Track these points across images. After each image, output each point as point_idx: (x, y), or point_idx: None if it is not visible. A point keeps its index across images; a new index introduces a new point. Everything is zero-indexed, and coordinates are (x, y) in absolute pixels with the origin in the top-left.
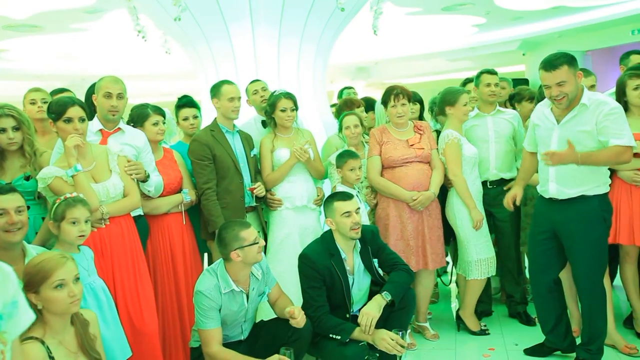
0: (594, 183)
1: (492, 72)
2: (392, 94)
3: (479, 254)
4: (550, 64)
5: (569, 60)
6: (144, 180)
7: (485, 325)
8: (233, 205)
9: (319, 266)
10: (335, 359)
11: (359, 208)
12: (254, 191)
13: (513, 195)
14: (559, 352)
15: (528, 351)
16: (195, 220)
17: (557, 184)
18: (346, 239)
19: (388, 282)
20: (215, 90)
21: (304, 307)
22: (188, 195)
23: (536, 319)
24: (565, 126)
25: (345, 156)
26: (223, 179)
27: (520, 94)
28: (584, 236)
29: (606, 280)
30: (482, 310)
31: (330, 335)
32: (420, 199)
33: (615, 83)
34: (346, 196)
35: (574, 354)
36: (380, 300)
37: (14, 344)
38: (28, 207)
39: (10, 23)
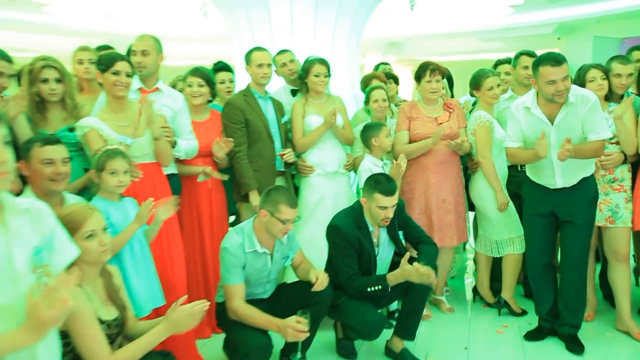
0: (590, 167)
1: (531, 55)
2: (427, 69)
3: (511, 233)
4: (555, 59)
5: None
6: (172, 146)
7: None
8: (265, 168)
9: (349, 236)
10: (355, 323)
11: (395, 204)
12: (284, 157)
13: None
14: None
15: (527, 336)
16: (228, 181)
17: (563, 178)
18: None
19: (422, 253)
20: (247, 57)
21: (337, 275)
22: (204, 176)
23: None
24: (560, 126)
25: (377, 125)
26: (255, 143)
27: None
28: (585, 210)
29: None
30: (498, 288)
31: (369, 289)
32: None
33: None
34: (389, 190)
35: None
36: None
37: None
38: (71, 158)
39: None
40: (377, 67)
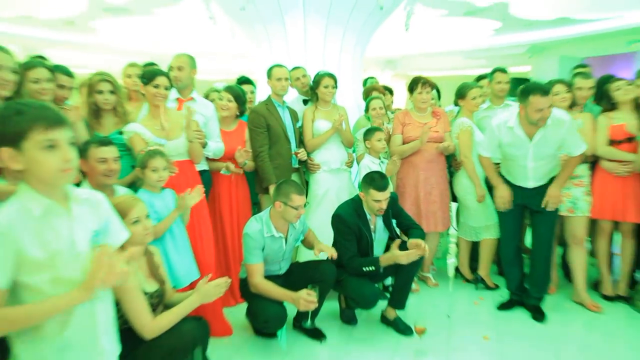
0: (557, 168)
1: (504, 71)
2: (419, 82)
3: (488, 220)
4: (544, 90)
5: None
6: (203, 147)
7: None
8: (283, 166)
9: (350, 224)
10: (356, 295)
11: (387, 198)
12: (298, 155)
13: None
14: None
15: (499, 307)
16: (252, 175)
17: (535, 181)
18: None
19: (412, 235)
20: (268, 72)
21: (339, 256)
22: (226, 170)
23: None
24: (538, 143)
25: (372, 130)
26: (275, 144)
27: None
28: None
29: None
30: (476, 267)
31: (364, 269)
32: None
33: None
34: (382, 187)
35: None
36: None
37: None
38: (121, 157)
39: (107, 6)
40: (365, 82)
